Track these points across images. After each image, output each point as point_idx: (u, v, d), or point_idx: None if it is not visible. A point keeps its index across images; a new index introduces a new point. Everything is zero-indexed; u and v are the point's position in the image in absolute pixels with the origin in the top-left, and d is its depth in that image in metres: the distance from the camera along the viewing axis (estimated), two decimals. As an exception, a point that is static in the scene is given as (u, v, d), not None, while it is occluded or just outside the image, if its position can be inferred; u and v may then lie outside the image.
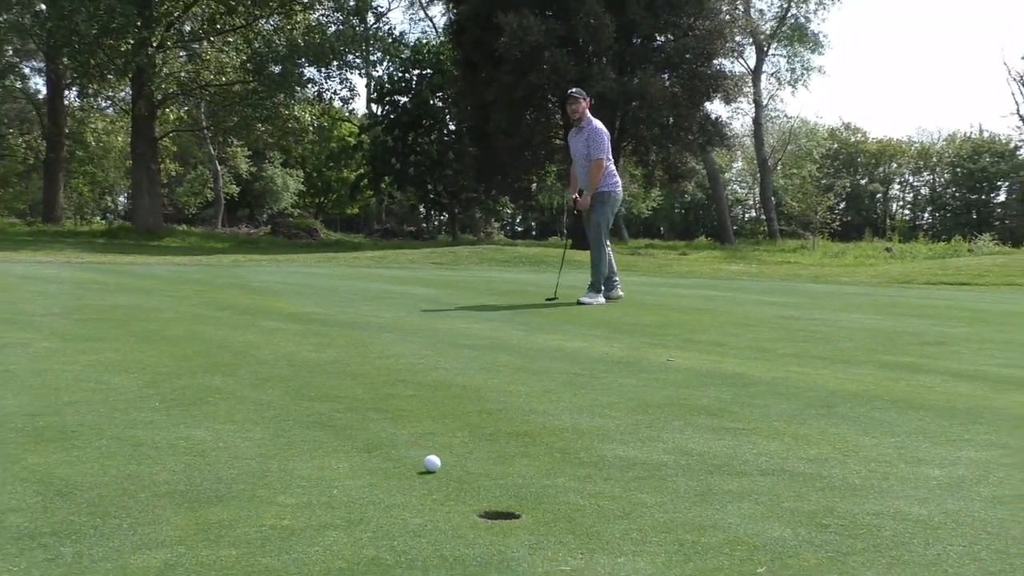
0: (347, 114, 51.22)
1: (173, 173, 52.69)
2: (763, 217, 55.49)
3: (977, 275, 16.87)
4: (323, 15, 34.23)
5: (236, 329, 6.91)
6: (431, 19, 57.71)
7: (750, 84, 47.49)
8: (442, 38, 47.38)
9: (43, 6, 31.15)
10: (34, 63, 42.90)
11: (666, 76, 32.09)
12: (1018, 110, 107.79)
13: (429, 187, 46.03)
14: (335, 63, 33.45)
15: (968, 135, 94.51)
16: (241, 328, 6.97)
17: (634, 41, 32.06)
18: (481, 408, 4.18)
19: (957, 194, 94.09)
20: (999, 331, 8.28)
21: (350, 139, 51.61)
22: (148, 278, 12.18)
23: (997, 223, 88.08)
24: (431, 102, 45.02)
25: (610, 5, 29.89)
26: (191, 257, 19.83)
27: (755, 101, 50.95)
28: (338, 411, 4.03)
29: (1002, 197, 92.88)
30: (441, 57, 43.90)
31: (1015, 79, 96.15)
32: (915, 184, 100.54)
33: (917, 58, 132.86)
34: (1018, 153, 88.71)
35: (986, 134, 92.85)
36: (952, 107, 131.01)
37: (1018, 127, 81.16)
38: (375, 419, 3.89)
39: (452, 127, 43.65)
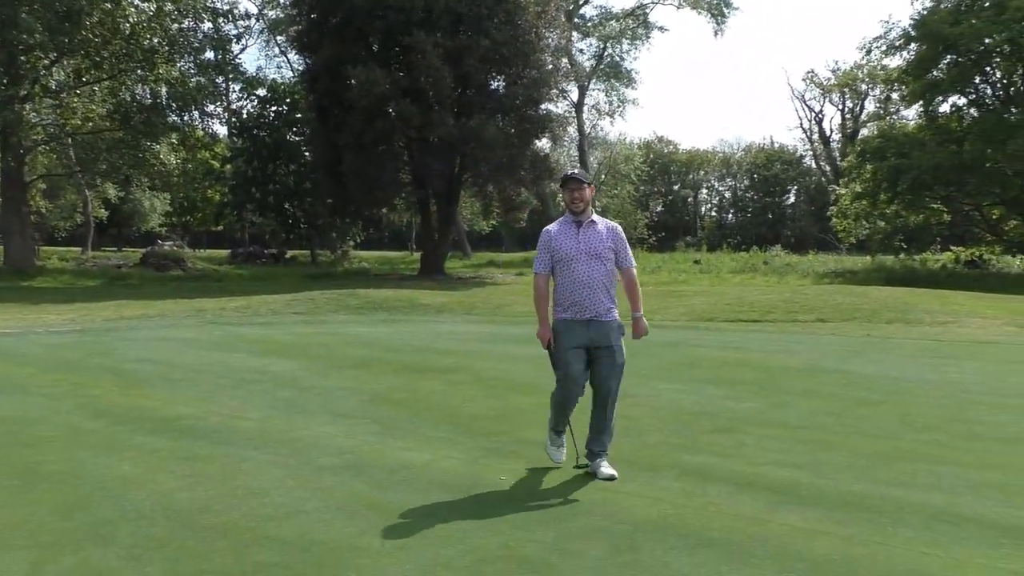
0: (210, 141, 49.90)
1: (44, 211, 50.48)
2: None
3: (767, 311, 17.79)
4: (183, 66, 33.32)
5: (113, 453, 6.82)
6: (287, 56, 56.78)
7: (575, 121, 48.73)
8: (296, 77, 46.83)
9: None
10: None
11: (500, 119, 32.54)
12: (801, 124, 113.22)
13: (289, 211, 45.58)
14: (196, 112, 32.74)
15: (762, 146, 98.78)
16: (117, 450, 6.90)
17: (470, 90, 32.39)
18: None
19: (755, 198, 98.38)
20: (779, 403, 8.84)
21: (214, 163, 50.55)
22: (23, 363, 11.76)
23: (789, 222, 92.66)
24: (288, 136, 44.59)
25: (448, 58, 30.21)
26: (64, 311, 19.09)
27: (579, 131, 52.24)
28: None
29: (792, 199, 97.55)
30: (296, 97, 43.47)
31: (797, 97, 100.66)
32: (720, 189, 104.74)
33: (719, 77, 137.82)
34: (803, 161, 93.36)
35: (776, 145, 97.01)
36: (748, 120, 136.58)
37: (802, 139, 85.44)
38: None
39: (309, 157, 43.17)
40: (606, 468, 6.22)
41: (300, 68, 44.87)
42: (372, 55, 31.51)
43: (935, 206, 36.51)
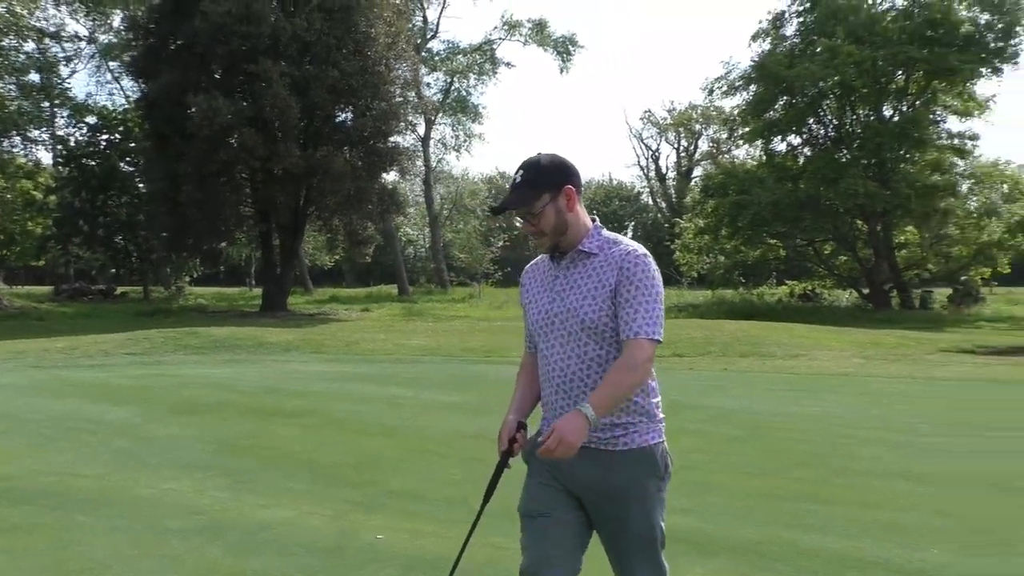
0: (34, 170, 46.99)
1: None
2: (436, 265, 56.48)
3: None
4: (4, 88, 31.21)
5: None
6: (119, 82, 54.30)
7: (421, 153, 48.43)
8: (130, 105, 44.79)
9: None
10: None
11: (347, 151, 31.89)
12: (638, 161, 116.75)
13: (120, 245, 43.42)
14: (18, 138, 30.68)
15: (601, 182, 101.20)
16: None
17: (317, 121, 31.66)
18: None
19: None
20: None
21: (36, 193, 47.66)
22: None
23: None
24: (121, 166, 42.55)
25: (295, 88, 29.40)
26: None
27: (425, 165, 51.93)
28: None
29: (630, 235, 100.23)
30: (130, 124, 41.53)
31: (635, 136, 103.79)
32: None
33: (559, 115, 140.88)
34: (641, 198, 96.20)
35: (615, 181, 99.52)
36: (588, 157, 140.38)
37: (640, 176, 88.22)
38: None
39: (143, 188, 41.15)
40: None
41: (134, 95, 42.98)
42: (214, 83, 30.37)
43: (772, 242, 37.93)
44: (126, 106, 46.31)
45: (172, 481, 7.05)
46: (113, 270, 45.76)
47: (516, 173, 3.11)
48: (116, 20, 48.43)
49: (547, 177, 3.07)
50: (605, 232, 3.14)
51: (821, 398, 11.82)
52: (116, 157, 42.47)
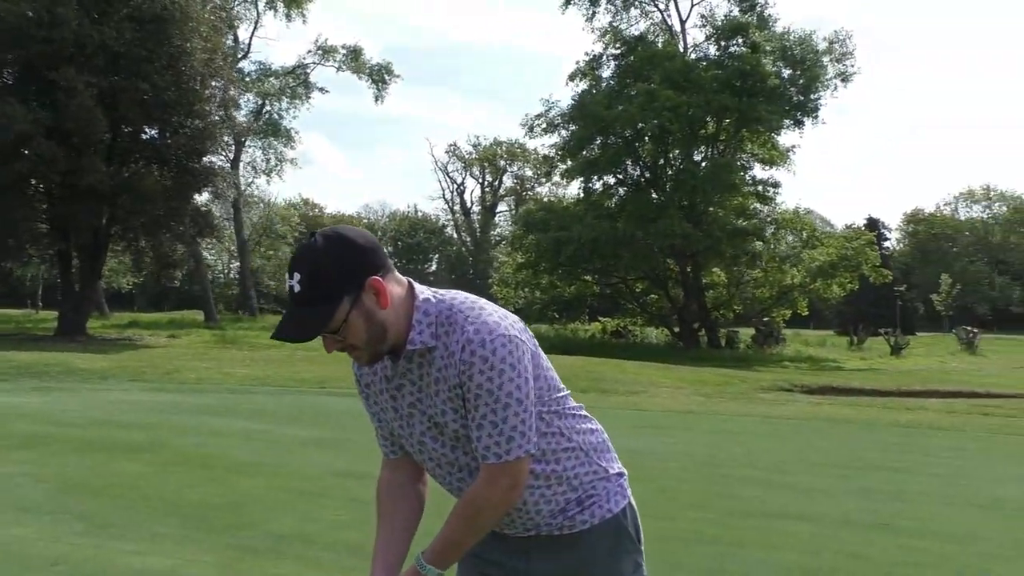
0: None
1: None
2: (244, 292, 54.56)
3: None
4: None
5: None
6: None
7: (234, 175, 46.74)
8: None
9: None
10: None
11: (156, 170, 30.23)
12: (443, 194, 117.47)
13: None
14: None
15: (406, 214, 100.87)
16: None
17: (124, 137, 29.90)
18: None
19: (399, 264, 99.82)
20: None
21: None
22: None
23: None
24: None
25: (102, 99, 27.60)
26: None
27: (235, 187, 50.14)
28: None
29: (433, 267, 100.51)
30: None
31: (440, 168, 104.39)
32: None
33: (361, 143, 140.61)
34: (445, 230, 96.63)
35: (420, 213, 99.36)
36: (393, 188, 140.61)
37: (444, 209, 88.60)
38: None
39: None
40: None
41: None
42: (7, 88, 28.16)
43: (588, 279, 38.74)
44: None
45: (17, 526, 6.17)
46: None
47: (291, 277, 2.11)
48: None
49: (340, 279, 2.09)
50: (431, 302, 2.21)
51: (679, 435, 11.91)
52: None
